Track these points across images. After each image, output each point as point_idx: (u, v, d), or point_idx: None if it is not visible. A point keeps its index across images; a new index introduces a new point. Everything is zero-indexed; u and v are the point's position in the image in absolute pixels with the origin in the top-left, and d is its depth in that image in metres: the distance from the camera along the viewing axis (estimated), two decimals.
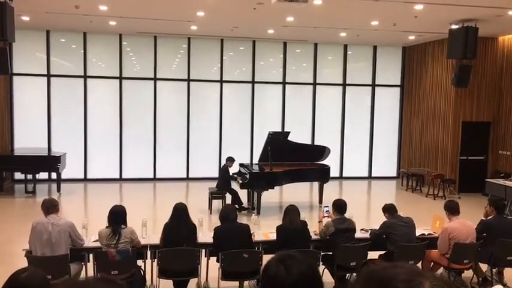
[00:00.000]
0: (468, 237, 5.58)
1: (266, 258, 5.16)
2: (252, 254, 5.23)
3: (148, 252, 5.45)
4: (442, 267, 5.87)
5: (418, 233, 5.94)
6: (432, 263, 5.89)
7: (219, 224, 5.51)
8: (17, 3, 8.72)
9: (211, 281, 5.64)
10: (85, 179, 13.10)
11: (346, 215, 5.74)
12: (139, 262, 5.42)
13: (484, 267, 6.02)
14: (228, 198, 9.71)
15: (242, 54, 13.79)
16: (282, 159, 9.95)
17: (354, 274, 5.65)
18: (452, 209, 5.74)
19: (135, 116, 13.31)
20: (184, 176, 13.58)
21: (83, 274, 5.33)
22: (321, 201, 10.26)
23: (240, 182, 9.64)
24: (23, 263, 4.74)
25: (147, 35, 12.91)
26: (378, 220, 6.14)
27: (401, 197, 12.15)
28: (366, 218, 9.64)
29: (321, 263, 5.50)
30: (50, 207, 5.12)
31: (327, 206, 6.09)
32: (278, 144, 9.73)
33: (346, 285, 5.68)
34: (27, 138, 12.54)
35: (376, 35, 12.25)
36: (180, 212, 5.38)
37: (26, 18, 10.66)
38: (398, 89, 14.56)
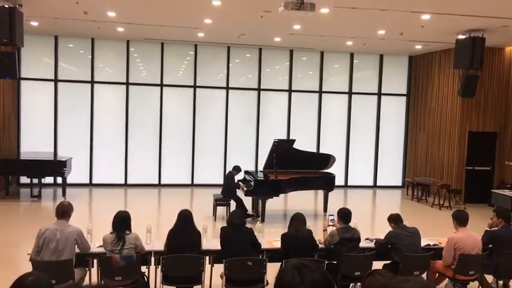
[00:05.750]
0: (474, 248, 5.54)
1: (270, 266, 5.16)
2: (256, 261, 5.22)
3: (153, 259, 5.45)
4: (447, 279, 5.83)
5: (423, 243, 5.90)
6: (437, 274, 5.85)
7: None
8: (26, 8, 8.81)
9: None
10: (90, 184, 13.13)
11: (351, 224, 5.72)
12: (143, 268, 5.41)
13: (489, 278, 5.97)
14: (233, 205, 9.70)
15: (248, 62, 13.83)
16: (287, 167, 9.94)
17: (359, 284, 5.62)
18: (461, 220, 5.66)
19: (141, 121, 13.36)
20: (189, 182, 13.59)
21: (86, 279, 5.32)
22: (325, 210, 10.26)
23: (245, 189, 9.64)
24: (28, 267, 4.75)
25: (154, 42, 12.99)
26: (382, 229, 6.11)
27: (407, 207, 12.09)
28: (371, 228, 9.60)
29: None
30: (63, 213, 5.13)
31: (332, 215, 6.06)
32: (283, 152, 9.72)
33: None
34: (34, 143, 12.61)
35: (383, 44, 12.27)
36: (185, 218, 5.37)
37: (34, 23, 10.76)
38: (404, 98, 14.53)
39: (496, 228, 6.00)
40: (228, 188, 9.78)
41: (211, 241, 5.82)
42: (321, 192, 10.96)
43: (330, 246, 5.61)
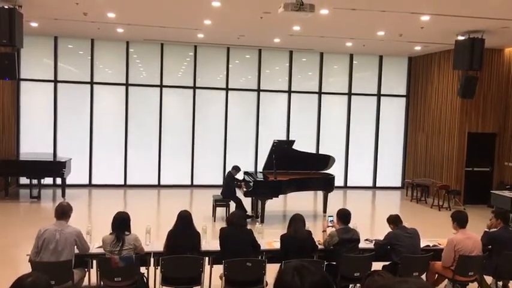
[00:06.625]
0: (474, 249, 5.53)
1: (269, 267, 5.16)
2: (256, 262, 5.22)
3: (152, 260, 5.45)
4: (446, 280, 5.83)
5: (422, 244, 5.91)
6: (437, 275, 5.85)
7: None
8: (26, 9, 8.81)
9: None
10: (90, 185, 13.13)
11: (351, 225, 5.72)
12: (143, 269, 5.41)
13: (489, 279, 5.97)
14: (232, 206, 9.70)
15: (248, 63, 13.84)
16: (287, 167, 9.94)
17: (358, 285, 5.62)
18: (461, 221, 5.63)
19: (140, 122, 13.36)
20: (189, 183, 13.59)
21: (86, 280, 5.32)
22: (325, 211, 10.25)
23: (245, 189, 9.64)
24: (27, 267, 4.75)
25: (154, 42, 12.99)
26: (382, 230, 6.11)
27: (406, 208, 12.09)
28: (370, 228, 9.60)
29: None
30: (62, 214, 5.14)
31: (331, 216, 6.06)
32: (283, 153, 9.72)
33: None
34: (33, 143, 12.61)
35: (382, 45, 12.27)
36: (184, 219, 5.38)
37: (34, 24, 10.76)
38: (403, 99, 14.54)
39: (495, 230, 6.00)
40: (228, 188, 9.78)
41: (210, 242, 5.82)
42: (320, 193, 10.96)
43: (329, 247, 5.61)
